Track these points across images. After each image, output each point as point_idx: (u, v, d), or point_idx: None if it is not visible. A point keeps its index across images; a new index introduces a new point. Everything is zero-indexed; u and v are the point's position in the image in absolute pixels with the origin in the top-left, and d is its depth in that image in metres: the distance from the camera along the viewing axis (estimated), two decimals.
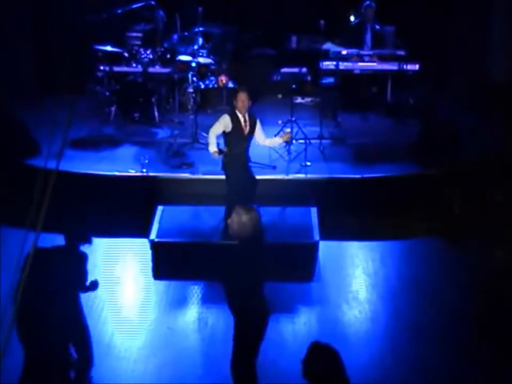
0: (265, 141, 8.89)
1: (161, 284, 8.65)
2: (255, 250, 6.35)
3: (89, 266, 6.70)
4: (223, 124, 8.48)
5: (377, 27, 12.01)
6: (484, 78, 11.96)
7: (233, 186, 8.66)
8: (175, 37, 12.15)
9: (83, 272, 6.59)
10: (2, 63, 11.93)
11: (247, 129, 8.56)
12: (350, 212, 9.65)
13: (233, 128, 8.47)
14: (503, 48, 11.89)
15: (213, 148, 8.49)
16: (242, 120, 8.51)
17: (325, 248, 9.09)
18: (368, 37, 11.98)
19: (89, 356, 6.79)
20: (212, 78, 12.03)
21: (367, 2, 11.93)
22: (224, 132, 8.53)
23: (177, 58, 11.94)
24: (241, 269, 6.23)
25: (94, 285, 6.68)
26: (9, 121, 10.65)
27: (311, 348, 5.02)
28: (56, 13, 12.53)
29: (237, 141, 8.55)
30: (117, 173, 10.01)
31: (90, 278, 6.66)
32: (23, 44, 12.34)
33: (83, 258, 6.59)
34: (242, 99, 8.43)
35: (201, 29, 12.06)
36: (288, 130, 10.47)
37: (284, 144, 9.47)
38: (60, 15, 12.49)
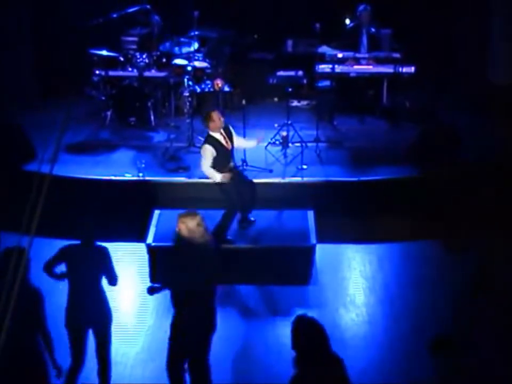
0: (245, 143, 9.02)
1: None
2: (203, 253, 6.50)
3: None
4: (211, 154, 8.41)
5: (373, 30, 12.00)
6: (483, 80, 11.96)
7: (234, 199, 8.69)
8: (171, 41, 12.16)
9: (104, 265, 6.75)
10: (1, 67, 11.91)
11: (229, 144, 8.62)
12: (347, 215, 9.65)
13: (218, 152, 8.46)
14: (501, 50, 11.88)
15: (219, 176, 8.46)
16: (221, 138, 8.53)
17: (322, 251, 9.09)
18: (364, 40, 11.98)
19: (108, 360, 6.89)
20: (208, 81, 12.01)
21: (363, 5, 11.92)
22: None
23: (173, 62, 11.94)
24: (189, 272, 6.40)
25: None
26: (6, 125, 10.63)
27: (296, 320, 5.27)
28: (53, 17, 12.52)
29: (224, 159, 8.58)
30: (113, 177, 10.00)
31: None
32: (22, 47, 12.34)
33: (104, 253, 6.79)
34: (216, 118, 8.44)
35: (197, 32, 12.05)
36: (284, 133, 10.53)
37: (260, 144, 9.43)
38: (57, 20, 12.48)
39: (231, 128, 8.72)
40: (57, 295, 7.10)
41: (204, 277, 6.42)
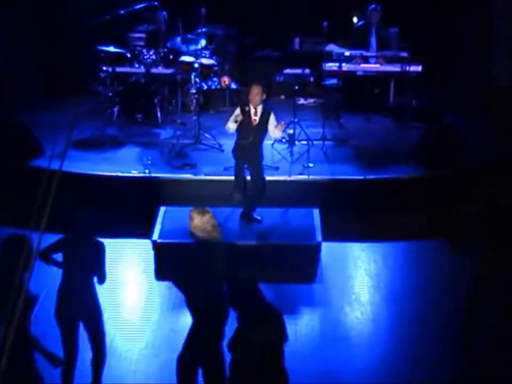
0: (271, 131, 9.03)
1: (164, 285, 8.65)
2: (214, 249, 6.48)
3: None
4: (235, 115, 8.85)
5: (382, 29, 11.99)
6: (487, 80, 11.94)
7: (236, 172, 8.98)
8: (178, 37, 12.17)
9: (101, 261, 6.76)
10: (6, 65, 11.92)
11: (256, 122, 8.79)
12: (353, 213, 9.65)
13: (243, 118, 8.78)
14: (506, 50, 11.87)
15: (230, 124, 8.91)
16: (252, 112, 8.78)
17: (327, 249, 9.08)
18: (373, 39, 11.97)
19: (102, 351, 6.91)
20: (215, 79, 12.03)
21: (373, 5, 11.91)
22: (236, 122, 8.81)
23: (180, 59, 11.94)
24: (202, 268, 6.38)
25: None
26: (13, 123, 10.65)
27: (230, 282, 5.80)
28: (60, 14, 12.53)
29: (246, 131, 8.81)
30: (119, 174, 10.02)
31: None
32: (27, 45, 12.34)
33: (100, 247, 6.78)
34: (251, 93, 8.80)
35: (204, 29, 12.06)
36: (291, 131, 10.54)
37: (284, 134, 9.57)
38: (63, 16, 12.49)
39: (272, 114, 8.88)
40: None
41: (214, 275, 6.38)
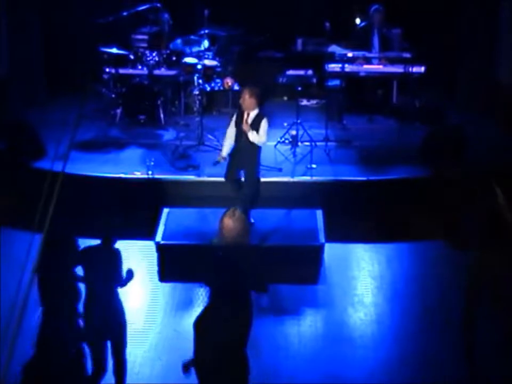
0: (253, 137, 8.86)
1: (167, 286, 8.66)
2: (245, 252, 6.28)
3: None
4: (234, 117, 8.88)
5: (385, 30, 11.98)
6: (491, 80, 11.93)
7: (227, 174, 8.96)
8: (181, 39, 12.18)
9: (119, 267, 6.64)
10: (10, 64, 11.94)
11: (246, 125, 8.71)
12: (356, 214, 9.65)
13: (237, 122, 8.79)
14: (510, 50, 11.85)
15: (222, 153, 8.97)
16: (245, 116, 8.73)
17: (331, 250, 9.08)
18: (376, 40, 11.96)
19: (124, 360, 6.83)
20: (218, 80, 12.03)
21: (376, 6, 11.90)
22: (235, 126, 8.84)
23: (183, 61, 11.95)
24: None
25: (130, 273, 6.72)
26: (16, 124, 10.66)
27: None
28: (63, 15, 12.54)
29: (238, 134, 8.79)
30: (122, 175, 10.02)
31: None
32: (32, 45, 12.36)
33: (117, 254, 6.65)
34: (242, 96, 8.77)
35: (207, 31, 12.07)
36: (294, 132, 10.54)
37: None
38: (68, 17, 12.51)
39: (264, 120, 8.71)
40: None
41: (239, 277, 6.11)
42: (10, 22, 11.89)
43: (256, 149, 8.82)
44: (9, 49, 11.90)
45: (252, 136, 8.69)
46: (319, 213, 9.45)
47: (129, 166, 10.26)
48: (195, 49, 12.14)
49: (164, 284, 8.68)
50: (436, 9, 12.53)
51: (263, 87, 12.21)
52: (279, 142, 10.82)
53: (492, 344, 7.42)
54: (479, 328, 7.30)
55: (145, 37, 12.34)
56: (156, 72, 11.70)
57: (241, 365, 6.04)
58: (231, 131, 8.91)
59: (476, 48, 12.25)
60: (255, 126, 8.69)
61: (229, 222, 6.11)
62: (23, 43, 12.11)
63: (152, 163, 10.02)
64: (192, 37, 12.28)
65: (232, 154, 8.94)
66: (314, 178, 10.04)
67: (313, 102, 12.59)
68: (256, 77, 12.52)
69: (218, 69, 12.10)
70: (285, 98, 12.80)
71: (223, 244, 6.24)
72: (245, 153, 8.81)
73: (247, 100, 8.68)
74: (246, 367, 6.06)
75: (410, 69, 11.50)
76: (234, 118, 8.87)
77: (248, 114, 8.72)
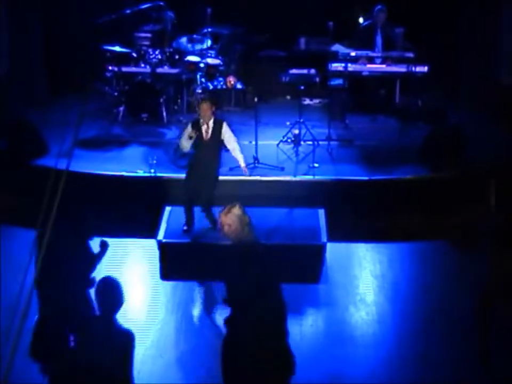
0: (233, 150, 8.87)
1: (169, 285, 8.66)
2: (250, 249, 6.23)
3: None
4: (187, 132, 8.78)
5: (388, 30, 11.98)
6: (493, 80, 11.93)
7: (185, 184, 8.88)
8: (184, 37, 12.18)
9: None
10: (12, 63, 11.94)
11: (208, 135, 8.70)
12: (358, 213, 9.65)
13: (196, 135, 8.71)
14: (510, 50, 11.85)
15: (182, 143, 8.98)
16: (204, 127, 8.69)
17: (333, 249, 9.08)
18: (379, 40, 11.96)
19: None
20: (220, 78, 12.03)
21: (379, 6, 11.89)
22: (191, 138, 8.74)
23: (185, 59, 11.95)
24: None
25: (104, 245, 6.71)
26: (19, 122, 10.67)
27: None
28: (66, 13, 12.55)
29: (199, 146, 8.77)
30: (124, 173, 10.03)
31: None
32: (33, 44, 12.36)
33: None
34: (201, 109, 8.71)
35: (210, 29, 12.07)
36: (297, 131, 10.53)
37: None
38: (69, 16, 12.51)
39: (224, 124, 8.74)
40: None
41: (248, 276, 6.01)
42: (11, 21, 11.90)
43: (218, 159, 8.85)
44: (10, 48, 11.90)
45: (241, 160, 8.85)
46: (321, 212, 9.45)
47: (132, 164, 10.26)
48: (198, 47, 12.15)
49: (166, 282, 8.68)
50: (436, 9, 12.52)
51: (265, 85, 12.31)
52: (281, 141, 10.82)
53: (505, 346, 7.42)
54: (492, 331, 7.29)
55: (148, 35, 12.34)
56: (159, 70, 11.71)
57: (284, 357, 6.07)
58: (186, 143, 8.84)
59: (476, 48, 12.26)
60: (217, 132, 8.71)
61: (224, 219, 6.09)
62: (23, 42, 12.11)
63: (154, 161, 10.02)
64: (195, 35, 12.29)
65: (191, 163, 8.89)
66: (317, 177, 10.04)
67: (316, 101, 12.59)
68: (259, 76, 12.55)
69: (221, 68, 12.10)
70: (288, 97, 12.81)
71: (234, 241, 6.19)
72: (208, 165, 8.75)
73: (207, 111, 8.64)
74: (290, 358, 6.09)
75: (413, 69, 11.49)
76: (188, 130, 8.75)
77: (207, 124, 8.70)
